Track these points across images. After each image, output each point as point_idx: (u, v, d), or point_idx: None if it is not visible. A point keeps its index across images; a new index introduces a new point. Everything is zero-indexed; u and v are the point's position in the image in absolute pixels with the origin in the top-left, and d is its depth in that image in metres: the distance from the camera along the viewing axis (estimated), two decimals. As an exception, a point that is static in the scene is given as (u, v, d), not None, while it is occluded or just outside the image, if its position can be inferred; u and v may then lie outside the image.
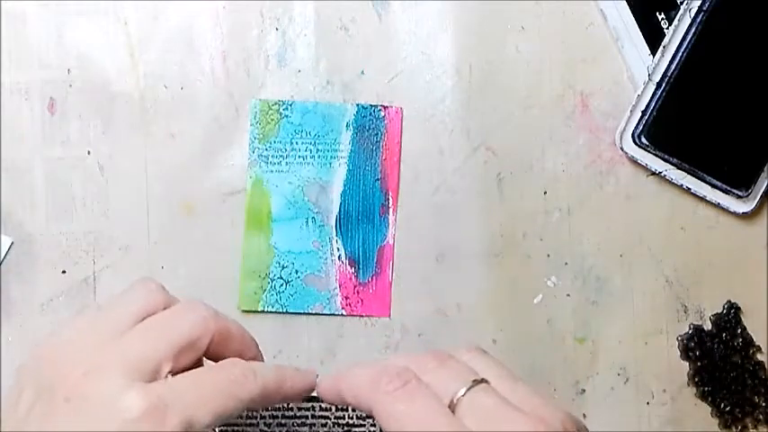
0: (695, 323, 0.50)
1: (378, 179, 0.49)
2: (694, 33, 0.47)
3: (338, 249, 0.49)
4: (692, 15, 0.47)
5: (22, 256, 0.49)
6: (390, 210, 0.49)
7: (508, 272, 0.49)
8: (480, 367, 0.37)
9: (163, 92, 0.49)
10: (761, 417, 0.50)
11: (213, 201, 0.49)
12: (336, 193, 0.49)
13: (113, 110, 0.49)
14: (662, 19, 0.48)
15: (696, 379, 0.50)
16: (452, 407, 0.35)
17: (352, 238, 0.49)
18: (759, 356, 0.50)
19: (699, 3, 0.47)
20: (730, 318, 0.50)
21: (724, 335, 0.50)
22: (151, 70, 0.49)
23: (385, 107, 0.49)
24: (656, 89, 0.48)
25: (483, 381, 0.36)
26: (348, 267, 0.49)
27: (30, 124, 0.49)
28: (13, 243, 0.49)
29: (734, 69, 0.48)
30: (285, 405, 0.41)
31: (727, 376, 0.50)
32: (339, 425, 0.41)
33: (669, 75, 0.48)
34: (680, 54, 0.48)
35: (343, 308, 0.49)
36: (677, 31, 0.48)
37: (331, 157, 0.49)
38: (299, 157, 0.49)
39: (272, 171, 0.49)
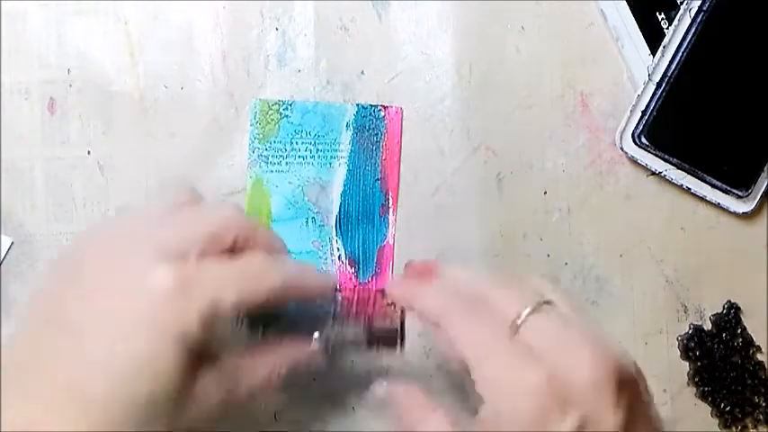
0: (695, 323, 0.50)
1: (378, 179, 0.49)
2: (694, 33, 0.47)
3: (338, 249, 0.49)
4: (692, 15, 0.47)
5: (21, 256, 0.49)
6: (390, 210, 0.49)
7: (508, 272, 0.49)
8: (548, 292, 0.39)
9: (163, 92, 0.49)
10: (761, 417, 0.50)
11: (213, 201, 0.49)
12: (336, 193, 0.49)
13: (113, 110, 0.49)
14: (662, 19, 0.48)
15: (696, 379, 0.50)
16: (517, 325, 0.37)
17: (352, 238, 0.49)
18: (759, 356, 0.50)
19: (699, 3, 0.47)
20: (730, 318, 0.50)
21: (724, 335, 0.50)
22: (151, 70, 0.49)
23: (385, 107, 0.49)
24: (656, 89, 0.48)
25: (548, 302, 0.37)
26: (348, 267, 0.49)
27: (30, 124, 0.49)
28: (13, 243, 0.49)
29: (733, 69, 0.48)
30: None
31: (727, 376, 0.50)
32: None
33: (669, 75, 0.48)
34: (680, 54, 0.48)
35: (343, 308, 0.49)
36: (677, 31, 0.48)
37: (331, 157, 0.49)
38: (299, 157, 0.49)
39: (272, 171, 0.49)
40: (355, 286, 0.49)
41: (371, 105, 0.49)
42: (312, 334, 0.42)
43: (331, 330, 0.43)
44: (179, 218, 0.40)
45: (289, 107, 0.49)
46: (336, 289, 0.43)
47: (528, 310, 0.37)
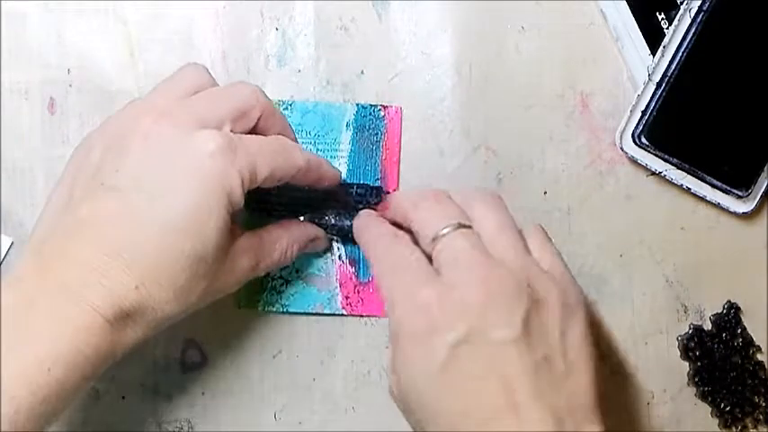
0: (695, 323, 0.50)
1: (378, 179, 0.49)
2: (694, 33, 0.47)
3: (338, 249, 0.49)
4: (692, 15, 0.47)
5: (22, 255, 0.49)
6: (390, 209, 0.49)
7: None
8: (477, 213, 0.41)
9: (163, 92, 0.49)
10: (761, 417, 0.50)
11: (213, 201, 0.49)
12: (336, 192, 0.49)
13: (113, 110, 0.49)
14: (662, 19, 0.48)
15: (696, 379, 0.50)
16: (431, 245, 0.40)
17: (352, 237, 0.49)
18: (759, 356, 0.50)
19: (699, 3, 0.47)
20: (730, 318, 0.50)
21: (724, 335, 0.50)
22: (151, 70, 0.49)
23: (385, 107, 0.49)
24: (656, 89, 0.48)
25: (467, 226, 0.40)
26: (348, 267, 0.49)
27: (30, 124, 0.49)
28: (12, 243, 0.49)
29: (734, 69, 0.48)
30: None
31: (727, 376, 0.50)
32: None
33: (669, 75, 0.48)
34: (680, 54, 0.48)
35: (343, 307, 0.49)
36: (677, 31, 0.48)
37: (331, 156, 0.49)
38: (300, 156, 0.49)
39: (272, 171, 0.49)
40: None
41: (371, 105, 0.49)
42: (316, 218, 0.47)
43: (332, 217, 0.47)
44: (205, 96, 0.41)
45: (289, 107, 0.49)
46: (340, 182, 0.47)
47: (445, 231, 0.40)
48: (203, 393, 0.49)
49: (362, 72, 0.49)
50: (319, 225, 0.47)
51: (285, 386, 0.49)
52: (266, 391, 0.49)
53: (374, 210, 0.47)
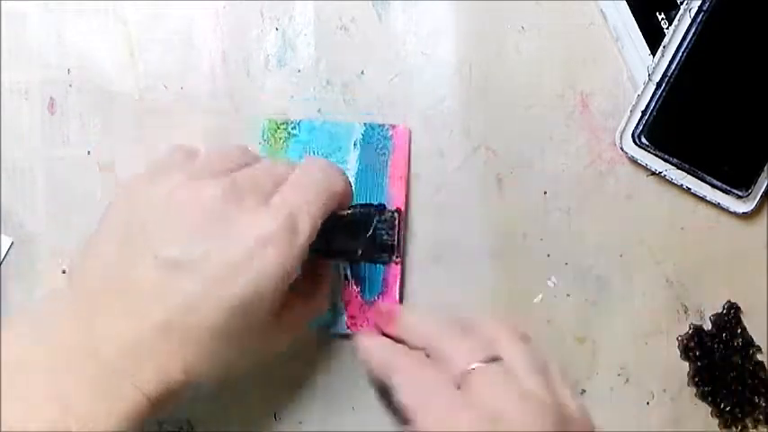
0: (695, 323, 0.50)
1: (385, 197, 0.48)
2: (694, 33, 0.47)
3: (344, 268, 0.48)
4: (692, 15, 0.47)
5: (22, 256, 0.49)
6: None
7: (508, 272, 0.49)
8: (507, 349, 0.39)
9: (163, 92, 0.49)
10: (761, 417, 0.50)
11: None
12: (344, 211, 0.48)
13: (113, 110, 0.49)
14: (662, 19, 0.48)
15: (696, 379, 0.50)
16: (462, 378, 0.38)
17: (359, 256, 0.48)
18: (759, 356, 0.50)
19: (699, 3, 0.47)
20: (730, 318, 0.50)
21: (724, 335, 0.50)
22: (151, 70, 0.49)
23: (393, 126, 0.49)
24: (656, 89, 0.48)
25: (496, 359, 0.39)
26: (354, 286, 0.48)
27: (30, 124, 0.49)
28: (12, 243, 0.49)
29: (734, 69, 0.48)
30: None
31: (727, 376, 0.50)
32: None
33: (669, 75, 0.48)
34: (680, 54, 0.48)
35: (349, 327, 0.48)
36: (677, 31, 0.48)
37: None
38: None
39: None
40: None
41: (379, 125, 0.48)
42: (325, 245, 0.44)
43: (339, 240, 0.44)
44: (250, 171, 0.40)
45: (297, 126, 0.48)
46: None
47: (475, 365, 0.38)
48: (203, 393, 0.49)
49: (362, 72, 0.49)
50: (327, 250, 0.44)
51: (285, 386, 0.49)
52: (266, 391, 0.49)
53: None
